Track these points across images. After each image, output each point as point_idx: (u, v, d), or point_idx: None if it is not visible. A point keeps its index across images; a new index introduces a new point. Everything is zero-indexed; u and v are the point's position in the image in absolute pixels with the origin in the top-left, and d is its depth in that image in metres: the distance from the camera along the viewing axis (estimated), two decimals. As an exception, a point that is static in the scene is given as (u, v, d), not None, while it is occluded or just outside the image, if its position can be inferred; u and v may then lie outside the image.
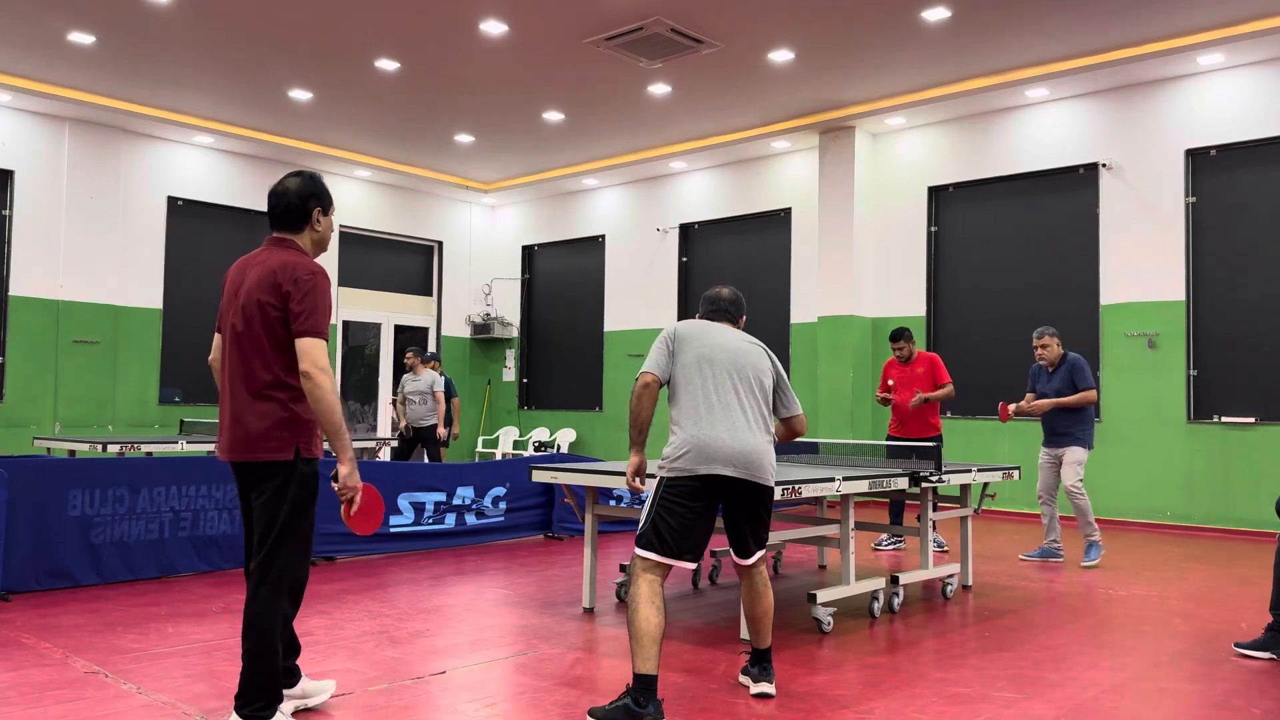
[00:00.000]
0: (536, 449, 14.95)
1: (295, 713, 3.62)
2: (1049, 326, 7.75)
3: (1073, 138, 10.56)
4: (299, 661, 4.14)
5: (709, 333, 4.04)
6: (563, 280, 15.66)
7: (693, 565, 3.85)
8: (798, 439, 4.33)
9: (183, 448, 9.07)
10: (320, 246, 3.58)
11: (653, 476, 3.99)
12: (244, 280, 3.42)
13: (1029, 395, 7.78)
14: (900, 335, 8.23)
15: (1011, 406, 7.70)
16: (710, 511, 3.88)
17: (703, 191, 13.79)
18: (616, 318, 14.69)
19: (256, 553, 3.35)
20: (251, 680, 3.26)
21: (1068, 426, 7.56)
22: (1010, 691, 4.10)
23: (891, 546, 8.19)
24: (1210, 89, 9.71)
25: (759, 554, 4.01)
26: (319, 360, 3.24)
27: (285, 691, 3.61)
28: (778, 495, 4.63)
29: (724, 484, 3.85)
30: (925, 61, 9.94)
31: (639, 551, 3.80)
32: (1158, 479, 9.79)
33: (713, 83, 10.62)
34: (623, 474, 5.13)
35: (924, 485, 5.71)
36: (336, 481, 3.32)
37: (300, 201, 3.48)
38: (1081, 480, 7.45)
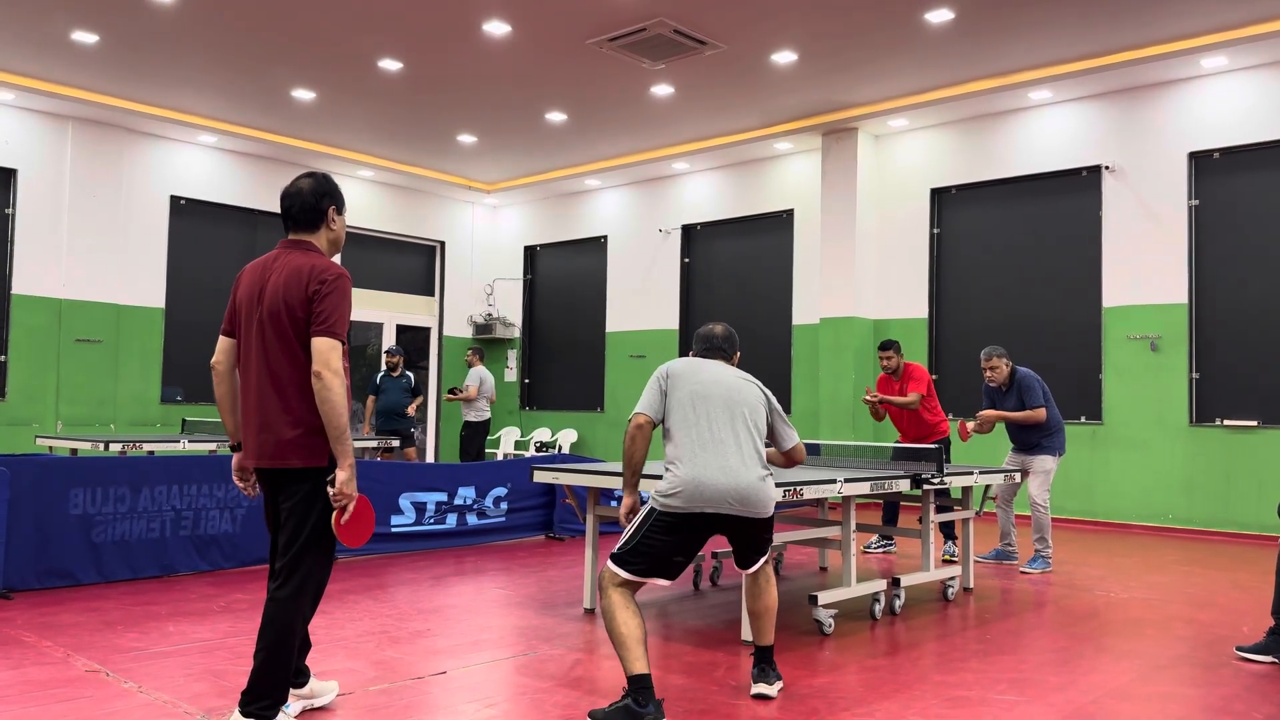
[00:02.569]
0: (538, 449, 14.95)
1: (300, 713, 3.61)
2: (996, 347, 7.56)
3: (1075, 140, 10.56)
4: (308, 661, 4.14)
5: (701, 370, 4.04)
6: (565, 281, 15.66)
7: (667, 583, 3.87)
8: (798, 464, 4.39)
9: (184, 447, 9.07)
10: (335, 246, 3.56)
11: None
12: (265, 284, 3.38)
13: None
14: (889, 346, 8.00)
15: (970, 425, 7.44)
16: (697, 541, 3.87)
17: (705, 193, 13.79)
18: (618, 319, 14.69)
19: (282, 555, 3.34)
20: (261, 678, 3.26)
21: (1036, 437, 7.45)
22: (1011, 694, 4.10)
23: (881, 549, 8.17)
24: (1213, 92, 9.71)
25: (761, 561, 4.04)
26: (332, 362, 3.24)
27: (294, 691, 3.61)
28: (780, 497, 4.63)
29: (718, 518, 3.85)
30: (928, 63, 9.93)
31: (612, 565, 3.79)
32: (1159, 482, 9.78)
33: (715, 84, 10.62)
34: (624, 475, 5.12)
35: (925, 488, 5.70)
36: (332, 487, 3.31)
37: (315, 200, 3.48)
38: (1048, 492, 7.33)
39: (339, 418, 3.23)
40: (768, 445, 4.21)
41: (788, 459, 4.31)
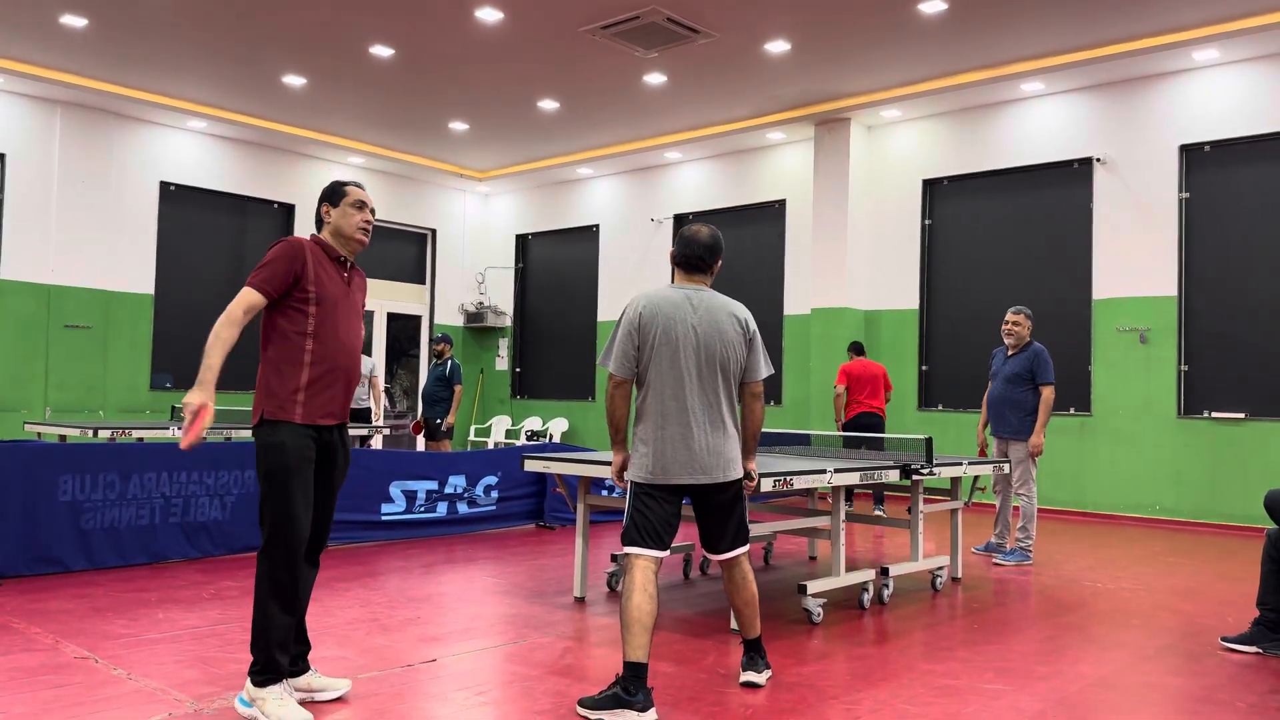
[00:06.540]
0: (529, 438, 14.95)
1: (299, 703, 3.61)
2: (1024, 307, 7.42)
3: (1067, 132, 10.57)
4: (310, 658, 4.16)
5: (676, 314, 3.86)
6: (556, 270, 15.64)
7: (664, 554, 3.86)
8: (762, 423, 4.13)
9: (174, 433, 9.04)
10: (339, 233, 3.72)
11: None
12: None
13: (990, 385, 7.51)
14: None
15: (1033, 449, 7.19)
16: (677, 504, 3.88)
17: (697, 182, 13.78)
18: (610, 308, 14.68)
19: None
20: (252, 643, 3.46)
21: (1017, 421, 7.21)
22: (998, 683, 4.12)
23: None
24: (1205, 85, 9.73)
25: (736, 551, 3.97)
26: (233, 304, 3.47)
27: (290, 681, 3.61)
28: (768, 486, 4.64)
29: (686, 486, 3.86)
30: (921, 54, 9.93)
31: (627, 549, 3.80)
32: (1148, 474, 9.84)
33: (708, 73, 10.60)
34: (615, 464, 5.12)
35: (915, 478, 5.72)
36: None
37: (317, 207, 3.80)
38: (1033, 481, 7.15)
39: (209, 346, 3.40)
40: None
41: (746, 394, 3.97)
